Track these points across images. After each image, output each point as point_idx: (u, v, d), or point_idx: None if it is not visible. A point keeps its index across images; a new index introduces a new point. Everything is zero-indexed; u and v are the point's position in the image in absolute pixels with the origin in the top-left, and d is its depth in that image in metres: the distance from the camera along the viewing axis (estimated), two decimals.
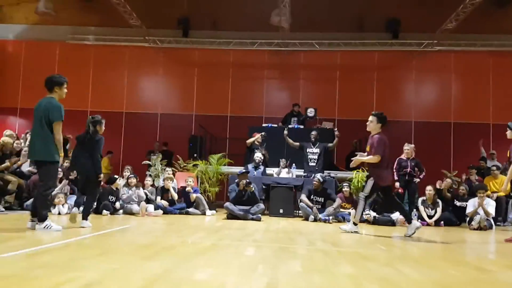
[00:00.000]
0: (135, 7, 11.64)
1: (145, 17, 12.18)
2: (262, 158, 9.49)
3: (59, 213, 7.07)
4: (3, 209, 7.07)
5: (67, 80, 4.77)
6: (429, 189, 8.50)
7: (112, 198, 7.65)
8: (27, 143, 8.38)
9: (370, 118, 5.83)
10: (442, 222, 8.23)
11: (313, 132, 9.48)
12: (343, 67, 12.97)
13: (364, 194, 5.71)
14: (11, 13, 13.47)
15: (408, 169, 8.70)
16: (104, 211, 7.41)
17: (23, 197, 7.67)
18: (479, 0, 10.00)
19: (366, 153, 5.76)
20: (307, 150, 9.22)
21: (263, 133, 9.81)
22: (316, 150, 9.11)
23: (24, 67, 13.22)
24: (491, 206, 7.93)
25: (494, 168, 9.37)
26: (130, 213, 7.68)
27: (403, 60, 12.54)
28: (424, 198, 8.50)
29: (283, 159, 9.74)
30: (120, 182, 8.08)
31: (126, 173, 8.58)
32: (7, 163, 7.56)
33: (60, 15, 12.33)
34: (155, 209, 7.90)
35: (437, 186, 9.00)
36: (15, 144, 8.22)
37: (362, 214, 6.00)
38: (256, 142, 9.75)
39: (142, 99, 13.42)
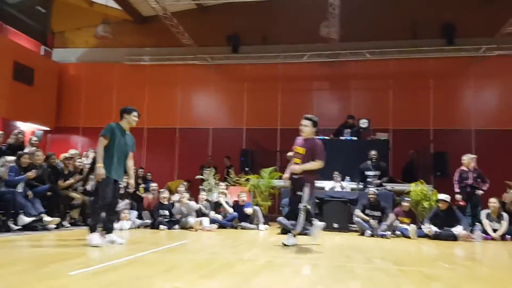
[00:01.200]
0: (187, 27, 12.08)
1: (197, 36, 12.60)
2: None
3: (121, 229, 7.38)
4: (69, 225, 7.49)
5: (136, 109, 5.22)
6: (493, 202, 8.02)
7: (163, 212, 7.91)
8: (89, 160, 8.89)
9: (304, 122, 5.57)
10: (508, 236, 7.71)
11: (373, 152, 9.01)
12: (397, 76, 12.60)
13: (304, 205, 5.28)
14: (72, 38, 14.42)
15: (470, 181, 8.27)
16: (161, 226, 7.63)
17: (86, 214, 8.09)
18: None
19: (293, 154, 5.58)
20: (366, 173, 8.84)
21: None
22: (377, 173, 8.71)
23: (86, 88, 14.03)
24: None
25: None
26: (186, 227, 7.84)
27: (460, 67, 11.98)
28: (488, 211, 8.03)
29: (337, 172, 9.58)
30: (175, 197, 8.31)
31: (181, 188, 8.81)
32: (71, 180, 8.01)
33: (118, 38, 13.02)
34: (210, 223, 8.04)
35: (502, 199, 8.46)
36: (78, 162, 8.70)
37: (303, 226, 5.51)
38: None
39: (195, 115, 13.77)
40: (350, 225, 8.49)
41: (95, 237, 4.79)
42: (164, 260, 4.08)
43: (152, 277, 3.17)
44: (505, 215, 7.91)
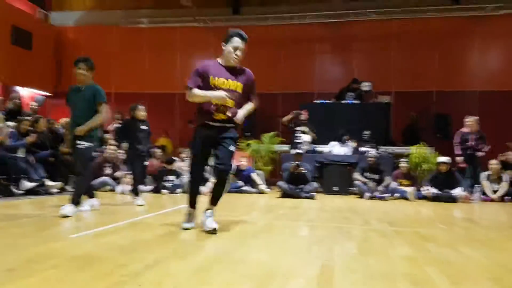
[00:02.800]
0: None
1: None
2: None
3: (122, 193, 7.48)
4: (72, 189, 7.58)
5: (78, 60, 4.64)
6: (494, 163, 8.04)
7: (167, 178, 7.96)
8: None
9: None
10: (508, 197, 7.78)
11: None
12: (400, 37, 12.31)
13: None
14: (70, 0, 14.12)
15: (471, 143, 8.25)
16: (163, 190, 7.73)
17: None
18: None
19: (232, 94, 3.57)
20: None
21: (294, 112, 9.68)
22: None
23: (84, 52, 13.76)
24: None
25: None
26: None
27: (465, 26, 11.67)
28: (489, 172, 8.06)
29: (346, 136, 9.56)
30: (178, 164, 8.36)
31: (184, 154, 8.85)
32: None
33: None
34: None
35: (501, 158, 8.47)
36: None
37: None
38: (301, 119, 9.64)
39: None
40: (349, 188, 8.58)
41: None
42: (162, 223, 4.15)
43: (148, 239, 3.23)
44: (505, 176, 7.95)
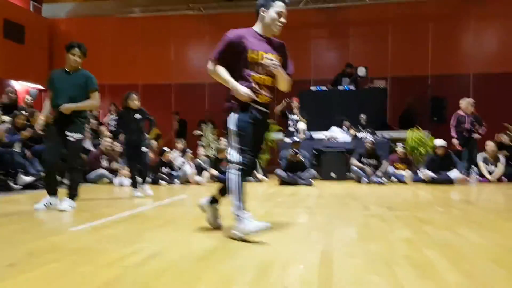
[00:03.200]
0: None
1: None
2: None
3: (121, 185, 7.49)
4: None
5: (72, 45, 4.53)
6: (490, 144, 8.08)
7: (163, 169, 7.95)
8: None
9: None
10: (505, 178, 7.83)
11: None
12: (395, 21, 12.24)
13: None
14: None
15: (467, 125, 8.27)
16: (161, 182, 7.73)
17: (86, 171, 8.16)
18: None
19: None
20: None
21: (286, 99, 9.67)
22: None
23: None
24: None
25: None
26: (186, 181, 7.96)
27: (460, 8, 11.62)
28: (485, 154, 8.10)
29: (347, 122, 9.59)
30: (172, 154, 8.34)
31: (180, 145, 8.84)
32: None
33: None
34: (212, 178, 8.22)
35: (496, 139, 8.50)
36: None
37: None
38: (296, 111, 9.65)
39: (190, 70, 13.55)
40: (347, 173, 8.62)
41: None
42: (163, 214, 4.15)
43: (150, 230, 3.23)
44: (501, 157, 7.99)
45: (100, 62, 12.75)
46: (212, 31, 13.25)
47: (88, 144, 8.73)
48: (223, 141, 9.59)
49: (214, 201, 3.24)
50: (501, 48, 11.63)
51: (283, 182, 7.69)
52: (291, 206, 4.81)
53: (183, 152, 8.55)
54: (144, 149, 5.95)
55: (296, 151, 7.82)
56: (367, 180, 7.79)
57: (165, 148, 8.25)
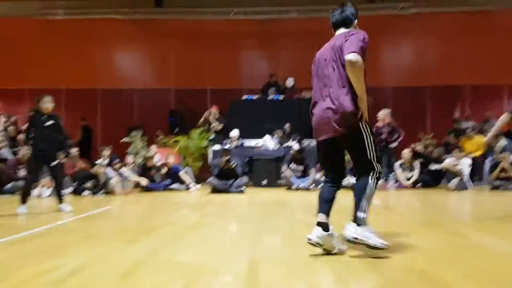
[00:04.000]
0: None
1: None
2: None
3: (39, 196, 7.02)
4: None
5: None
6: (406, 152, 8.70)
7: (92, 182, 7.58)
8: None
9: None
10: (419, 184, 8.47)
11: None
12: (321, 34, 12.72)
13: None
14: None
15: (384, 136, 8.84)
16: (84, 192, 7.37)
17: (3, 181, 7.56)
18: None
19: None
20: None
21: (206, 112, 9.84)
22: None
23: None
24: (466, 165, 8.20)
25: (470, 129, 9.60)
26: (111, 192, 7.64)
27: (380, 25, 12.44)
28: (402, 161, 8.71)
29: (278, 130, 9.81)
30: (100, 162, 8.00)
31: (107, 152, 8.50)
32: None
33: None
34: (137, 187, 7.96)
35: (413, 147, 9.18)
36: None
37: None
38: (213, 118, 9.78)
39: (117, 75, 13.10)
40: (278, 180, 8.83)
41: None
42: (86, 227, 3.98)
43: (72, 244, 3.09)
44: (416, 164, 8.64)
45: (21, 65, 11.91)
46: (141, 37, 12.96)
47: (6, 153, 8.09)
48: (153, 148, 9.38)
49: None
50: (416, 63, 12.64)
51: (215, 190, 7.69)
52: (222, 215, 4.83)
53: (110, 161, 8.21)
54: (55, 162, 5.16)
55: (229, 158, 7.87)
56: (296, 187, 8.04)
57: (97, 161, 7.89)
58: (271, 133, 9.82)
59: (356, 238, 2.66)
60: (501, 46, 12.47)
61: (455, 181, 7.89)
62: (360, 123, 2.72)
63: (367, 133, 2.75)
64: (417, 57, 12.74)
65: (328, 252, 2.72)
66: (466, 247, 2.98)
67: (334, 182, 2.92)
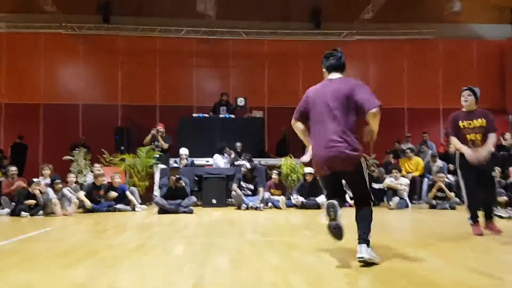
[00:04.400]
0: None
1: (61, 2, 11.38)
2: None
3: None
4: None
5: None
6: None
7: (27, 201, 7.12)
8: None
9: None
10: None
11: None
12: (271, 56, 13.15)
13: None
14: None
15: None
16: (23, 213, 6.95)
17: None
18: None
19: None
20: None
21: (153, 129, 9.69)
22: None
23: None
24: (405, 185, 8.60)
25: (409, 150, 10.12)
26: (52, 213, 7.24)
27: (325, 49, 12.92)
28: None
29: (227, 149, 9.76)
30: (40, 181, 7.59)
31: (46, 171, 8.10)
32: None
33: None
34: (80, 207, 7.60)
35: None
36: None
37: None
38: (159, 136, 9.65)
39: (62, 90, 12.64)
40: (228, 199, 8.80)
41: None
42: (21, 250, 3.75)
43: (3, 269, 2.89)
44: None
45: None
46: (88, 52, 12.64)
47: None
48: (97, 167, 9.05)
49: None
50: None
51: (163, 210, 7.50)
52: (168, 237, 4.73)
53: (51, 181, 7.81)
54: None
55: (178, 177, 7.74)
56: (246, 206, 8.04)
57: (34, 179, 7.45)
58: (221, 151, 9.81)
59: (370, 259, 3.03)
60: (439, 72, 13.41)
61: (395, 200, 8.24)
62: (361, 160, 3.19)
63: (365, 168, 3.26)
64: (360, 80, 13.31)
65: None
66: (402, 262, 3.11)
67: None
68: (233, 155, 9.69)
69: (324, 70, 3.59)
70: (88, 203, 7.63)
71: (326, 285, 2.50)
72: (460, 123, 4.58)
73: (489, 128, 4.47)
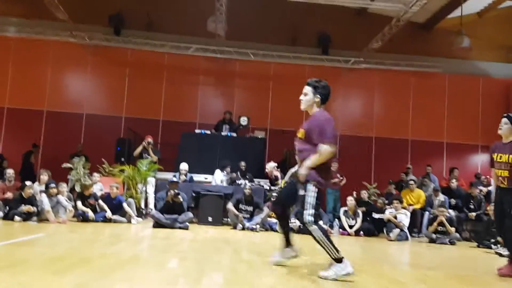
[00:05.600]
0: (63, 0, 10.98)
1: (73, 11, 11.52)
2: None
3: None
4: None
5: None
6: (350, 199, 8.88)
7: (23, 206, 7.00)
8: None
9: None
10: (361, 232, 8.63)
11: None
12: (276, 78, 13.22)
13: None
14: None
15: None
16: (16, 218, 6.83)
17: None
18: (404, 23, 10.68)
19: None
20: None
21: (144, 141, 9.72)
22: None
23: None
24: (406, 217, 8.48)
25: (412, 182, 10.02)
26: (46, 219, 7.13)
27: (332, 75, 13.00)
28: (346, 208, 8.87)
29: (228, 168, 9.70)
30: (36, 187, 7.50)
31: (44, 177, 8.01)
32: None
33: None
34: (75, 216, 7.50)
35: (355, 196, 9.38)
36: None
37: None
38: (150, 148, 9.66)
39: (67, 98, 12.67)
40: (224, 218, 8.67)
41: None
42: (11, 254, 3.64)
43: None
44: (359, 212, 8.83)
45: None
46: (96, 62, 12.72)
47: None
48: (96, 176, 8.99)
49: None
50: (363, 115, 13.27)
51: (158, 224, 7.38)
52: (162, 250, 4.62)
53: (46, 186, 7.72)
54: None
55: (177, 192, 7.65)
56: (242, 226, 7.91)
57: (27, 183, 7.36)
58: (223, 168, 9.74)
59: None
60: (444, 106, 13.44)
61: (395, 231, 8.12)
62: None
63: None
64: (365, 109, 13.36)
65: None
66: None
67: None
68: (234, 175, 9.60)
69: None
70: (91, 213, 7.54)
71: None
72: (494, 155, 4.15)
73: None
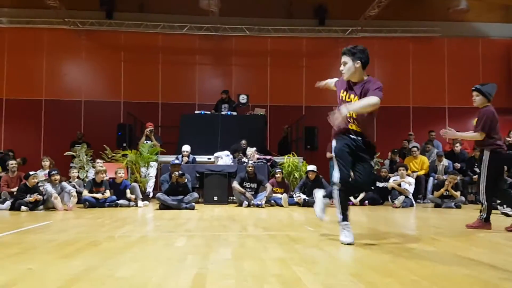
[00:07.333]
0: None
1: None
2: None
3: None
4: None
5: None
6: None
7: (29, 196, 7.03)
8: None
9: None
10: (366, 201, 8.68)
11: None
12: (274, 53, 13.07)
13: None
14: None
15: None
16: (23, 207, 6.89)
17: None
18: None
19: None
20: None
21: (147, 130, 9.84)
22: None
23: None
24: (411, 183, 8.50)
25: (415, 149, 10.02)
26: (53, 207, 7.19)
27: (330, 47, 12.88)
28: None
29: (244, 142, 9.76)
30: (39, 174, 7.53)
31: (46, 163, 8.03)
32: None
33: None
34: (83, 202, 7.55)
35: None
36: None
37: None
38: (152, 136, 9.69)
39: (64, 86, 12.60)
40: (229, 197, 8.72)
41: None
42: (20, 242, 3.68)
43: (2, 259, 2.82)
44: None
45: None
46: (90, 48, 12.59)
47: None
48: (99, 163, 9.01)
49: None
50: None
51: (164, 206, 7.44)
52: (170, 230, 4.65)
53: (48, 174, 7.74)
54: None
55: (181, 172, 7.68)
56: (247, 203, 7.97)
57: (31, 172, 7.38)
58: (224, 149, 9.74)
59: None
60: (444, 71, 13.29)
61: (400, 198, 8.15)
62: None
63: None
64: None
65: None
66: (412, 258, 3.02)
67: None
68: (243, 158, 9.55)
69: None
70: (102, 196, 7.65)
71: (331, 276, 2.42)
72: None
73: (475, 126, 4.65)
